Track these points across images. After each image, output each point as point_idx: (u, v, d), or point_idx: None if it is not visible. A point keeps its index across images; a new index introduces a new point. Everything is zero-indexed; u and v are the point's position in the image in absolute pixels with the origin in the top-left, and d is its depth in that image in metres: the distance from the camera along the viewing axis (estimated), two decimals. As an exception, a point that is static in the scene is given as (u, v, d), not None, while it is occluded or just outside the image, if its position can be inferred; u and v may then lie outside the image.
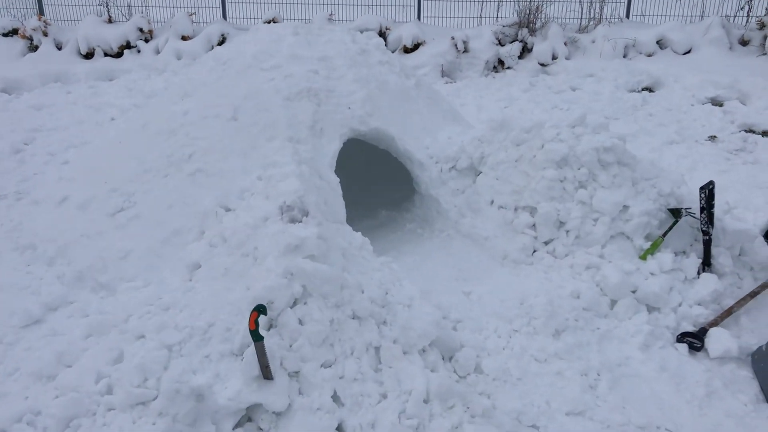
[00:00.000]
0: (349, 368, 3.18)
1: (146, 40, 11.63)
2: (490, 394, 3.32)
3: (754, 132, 7.64)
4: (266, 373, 3.04)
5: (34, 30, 11.64)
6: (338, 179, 4.49)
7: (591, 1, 11.63)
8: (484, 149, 4.82)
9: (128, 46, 11.49)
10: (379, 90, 5.13)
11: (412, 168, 5.02)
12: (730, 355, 3.65)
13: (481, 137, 4.89)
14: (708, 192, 4.23)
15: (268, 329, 3.22)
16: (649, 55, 10.64)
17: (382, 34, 11.36)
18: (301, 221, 3.62)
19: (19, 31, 11.76)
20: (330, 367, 3.18)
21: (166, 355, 3.24)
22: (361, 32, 11.11)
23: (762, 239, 4.49)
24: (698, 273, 4.23)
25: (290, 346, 3.16)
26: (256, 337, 2.99)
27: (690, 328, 3.89)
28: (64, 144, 7.32)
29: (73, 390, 3.18)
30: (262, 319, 3.15)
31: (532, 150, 4.57)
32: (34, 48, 11.63)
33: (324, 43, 5.34)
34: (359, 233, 4.13)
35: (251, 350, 3.05)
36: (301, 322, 3.21)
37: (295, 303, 3.26)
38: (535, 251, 4.48)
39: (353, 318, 3.35)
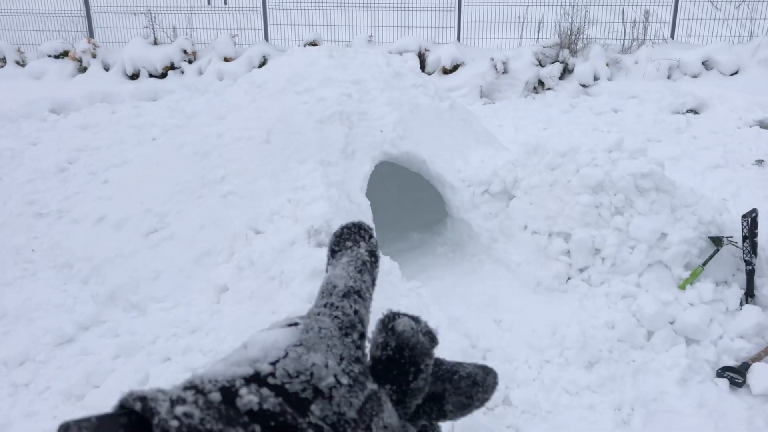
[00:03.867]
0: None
1: (190, 62, 11.88)
2: (519, 428, 3.22)
3: (804, 156, 7.36)
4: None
5: (83, 52, 12.00)
6: (368, 202, 4.46)
7: (634, 22, 11.46)
8: (518, 173, 4.74)
9: (172, 67, 11.75)
10: (412, 113, 5.11)
11: (444, 191, 4.97)
12: (774, 393, 3.47)
13: (515, 161, 4.81)
14: (751, 220, 4.07)
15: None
16: (695, 77, 10.40)
17: (421, 56, 11.38)
18: (328, 245, 3.60)
19: (69, 53, 12.14)
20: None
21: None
22: (401, 54, 11.19)
23: (810, 270, 4.30)
24: (741, 304, 4.07)
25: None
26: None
27: (731, 363, 3.72)
28: (106, 163, 7.48)
29: (98, 411, 3.20)
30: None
31: (567, 175, 4.47)
32: (83, 69, 11.99)
33: (358, 66, 5.35)
34: (388, 257, 4.08)
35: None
36: (324, 349, 3.18)
37: (319, 329, 3.23)
38: (569, 279, 4.37)
39: (378, 345, 3.30)
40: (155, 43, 12.42)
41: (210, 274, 4.07)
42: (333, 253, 0.48)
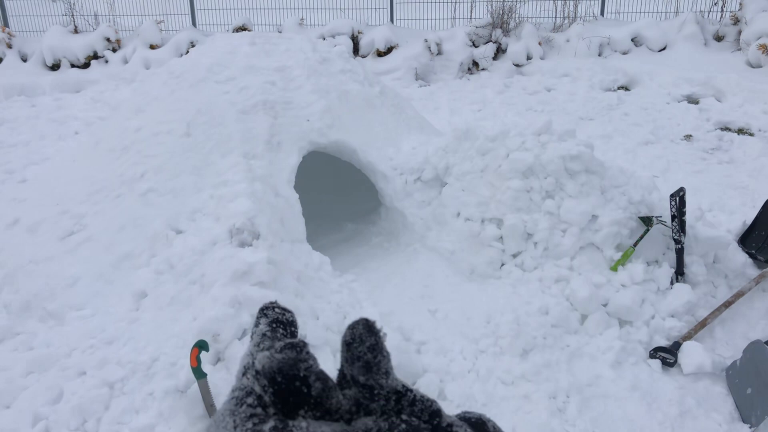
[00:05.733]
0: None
1: (114, 50, 11.38)
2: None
3: (729, 130, 7.53)
4: (211, 412, 2.86)
5: (-2, 42, 11.36)
6: (297, 195, 4.30)
7: (565, 0, 11.52)
8: (449, 159, 4.65)
9: (95, 56, 11.23)
10: (340, 100, 4.95)
11: (376, 180, 4.84)
12: (704, 371, 3.50)
13: (446, 147, 4.72)
14: (679, 199, 4.09)
15: (215, 363, 3.03)
16: (625, 53, 10.54)
17: (354, 38, 11.18)
18: (251, 245, 3.43)
19: (-18, 44, 11.47)
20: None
21: (107, 393, 3.05)
22: (333, 37, 10.97)
23: (736, 245, 4.36)
24: (671, 283, 4.09)
25: (238, 380, 2.97)
26: (199, 375, 2.81)
27: (663, 343, 3.74)
28: (24, 161, 7.09)
29: (8, 434, 2.98)
30: (208, 353, 2.97)
31: (498, 160, 4.40)
32: (-2, 60, 11.35)
33: (282, 53, 5.14)
34: (318, 253, 3.95)
35: (195, 388, 2.87)
36: (249, 354, 3.03)
37: (243, 334, 3.08)
38: (503, 265, 4.31)
39: (306, 347, 3.17)
40: (76, 31, 11.86)
41: (130, 279, 3.86)
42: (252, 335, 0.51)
